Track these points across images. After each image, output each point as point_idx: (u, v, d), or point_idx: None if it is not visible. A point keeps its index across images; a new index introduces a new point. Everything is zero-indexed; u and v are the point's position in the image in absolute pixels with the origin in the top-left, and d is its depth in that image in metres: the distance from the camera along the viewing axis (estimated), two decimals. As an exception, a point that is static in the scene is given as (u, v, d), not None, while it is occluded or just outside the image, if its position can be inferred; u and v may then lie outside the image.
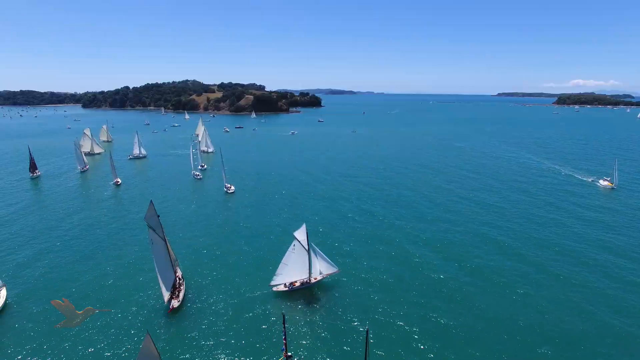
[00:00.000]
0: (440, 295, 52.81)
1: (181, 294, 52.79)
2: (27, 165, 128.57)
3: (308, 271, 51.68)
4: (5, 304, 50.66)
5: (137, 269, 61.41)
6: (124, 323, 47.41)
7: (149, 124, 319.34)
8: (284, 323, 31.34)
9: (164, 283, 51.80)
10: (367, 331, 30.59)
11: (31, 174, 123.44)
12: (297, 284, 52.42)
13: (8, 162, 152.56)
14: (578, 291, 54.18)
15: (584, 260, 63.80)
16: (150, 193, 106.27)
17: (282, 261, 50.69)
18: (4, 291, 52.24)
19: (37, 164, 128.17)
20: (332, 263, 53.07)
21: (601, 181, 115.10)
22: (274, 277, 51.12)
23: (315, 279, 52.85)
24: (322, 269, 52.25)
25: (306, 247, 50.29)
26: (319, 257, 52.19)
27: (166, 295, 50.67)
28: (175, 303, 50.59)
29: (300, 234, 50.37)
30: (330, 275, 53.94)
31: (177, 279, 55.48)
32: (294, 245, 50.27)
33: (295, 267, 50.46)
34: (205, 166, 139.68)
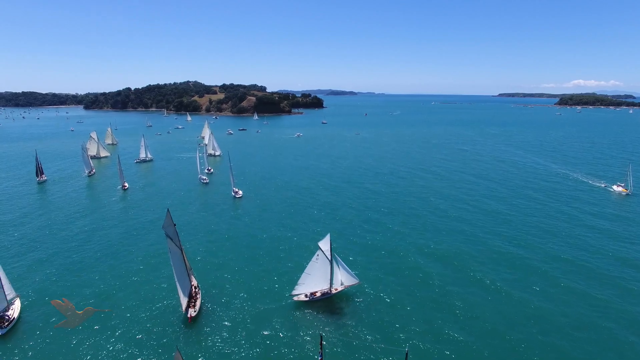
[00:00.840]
0: (454, 309, 51.14)
1: (198, 303, 52.14)
2: (33, 169, 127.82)
3: (329, 282, 50.81)
4: (20, 315, 49.83)
5: (149, 277, 60.79)
6: (146, 335, 46.55)
7: (151, 126, 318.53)
8: (321, 343, 30.28)
9: (182, 292, 51.21)
10: (406, 353, 29.51)
11: (38, 179, 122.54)
12: (318, 294, 51.52)
13: (14, 165, 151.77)
14: (595, 306, 52.33)
15: (600, 273, 61.70)
16: (159, 198, 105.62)
17: (305, 271, 49.87)
18: (18, 302, 51.38)
19: (43, 168, 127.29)
20: (353, 274, 52.07)
21: (615, 187, 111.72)
22: (296, 286, 50.33)
23: (335, 289, 51.97)
24: (343, 279, 51.36)
25: (329, 258, 49.42)
26: (341, 268, 51.29)
27: (184, 304, 50.06)
28: (192, 312, 49.93)
29: (324, 244, 49.52)
30: (351, 286, 52.97)
31: (193, 287, 54.83)
32: (318, 255, 49.42)
33: (318, 277, 49.61)
34: (212, 170, 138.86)
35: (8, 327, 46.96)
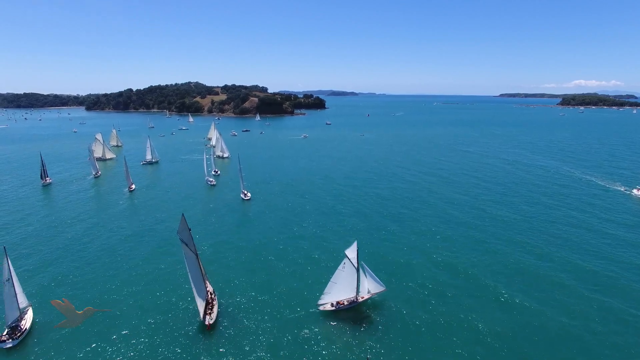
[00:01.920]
0: (477, 324, 48.11)
1: (214, 310, 50.38)
2: (37, 171, 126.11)
3: (356, 290, 48.87)
4: (32, 325, 47.90)
5: (160, 282, 59.11)
6: (165, 344, 44.71)
7: (153, 127, 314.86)
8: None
9: (199, 299, 49.52)
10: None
11: (42, 181, 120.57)
12: (345, 303, 49.53)
13: (18, 168, 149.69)
14: (625, 321, 48.98)
15: (627, 286, 57.74)
16: (166, 200, 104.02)
17: (331, 280, 47.90)
18: (30, 312, 49.41)
19: (48, 170, 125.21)
20: (380, 281, 50.06)
21: (635, 191, 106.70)
22: (322, 296, 48.39)
23: (362, 297, 50.05)
24: (370, 287, 49.38)
25: (356, 265, 47.46)
26: (367, 276, 49.33)
27: (202, 312, 48.30)
28: (209, 320, 48.18)
29: (351, 252, 47.53)
30: (377, 294, 51.03)
31: (209, 293, 53.01)
32: (344, 263, 47.44)
33: (344, 286, 47.64)
34: (219, 172, 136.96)
35: (20, 339, 45.00)
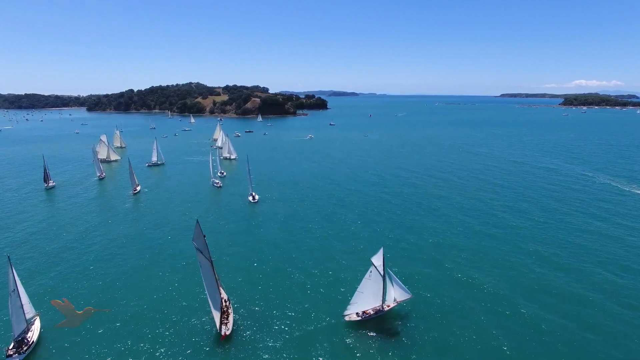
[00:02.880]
0: (503, 341, 45.14)
1: (230, 318, 47.93)
2: (40, 174, 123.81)
3: (382, 298, 46.56)
4: (40, 335, 45.42)
5: (170, 289, 56.75)
6: (178, 355, 42.20)
7: (154, 128, 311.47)
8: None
9: (214, 308, 47.31)
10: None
11: (45, 185, 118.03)
12: (371, 313, 47.13)
13: (20, 170, 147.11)
14: None
15: None
16: (171, 202, 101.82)
17: (358, 289, 45.60)
18: (37, 322, 46.87)
19: (50, 172, 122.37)
20: (406, 288, 47.69)
21: None
22: (349, 306, 46.09)
23: (388, 306, 47.75)
24: (396, 295, 47.06)
25: (382, 273, 45.10)
26: (394, 283, 47.00)
27: (218, 321, 46.00)
28: (225, 330, 45.78)
29: (377, 260, 45.15)
30: (403, 301, 48.69)
31: (223, 301, 50.67)
32: (371, 271, 45.07)
33: (370, 295, 45.29)
34: (225, 173, 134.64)
35: (26, 353, 42.39)
